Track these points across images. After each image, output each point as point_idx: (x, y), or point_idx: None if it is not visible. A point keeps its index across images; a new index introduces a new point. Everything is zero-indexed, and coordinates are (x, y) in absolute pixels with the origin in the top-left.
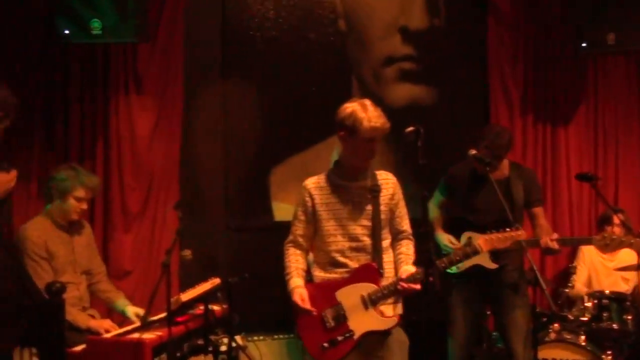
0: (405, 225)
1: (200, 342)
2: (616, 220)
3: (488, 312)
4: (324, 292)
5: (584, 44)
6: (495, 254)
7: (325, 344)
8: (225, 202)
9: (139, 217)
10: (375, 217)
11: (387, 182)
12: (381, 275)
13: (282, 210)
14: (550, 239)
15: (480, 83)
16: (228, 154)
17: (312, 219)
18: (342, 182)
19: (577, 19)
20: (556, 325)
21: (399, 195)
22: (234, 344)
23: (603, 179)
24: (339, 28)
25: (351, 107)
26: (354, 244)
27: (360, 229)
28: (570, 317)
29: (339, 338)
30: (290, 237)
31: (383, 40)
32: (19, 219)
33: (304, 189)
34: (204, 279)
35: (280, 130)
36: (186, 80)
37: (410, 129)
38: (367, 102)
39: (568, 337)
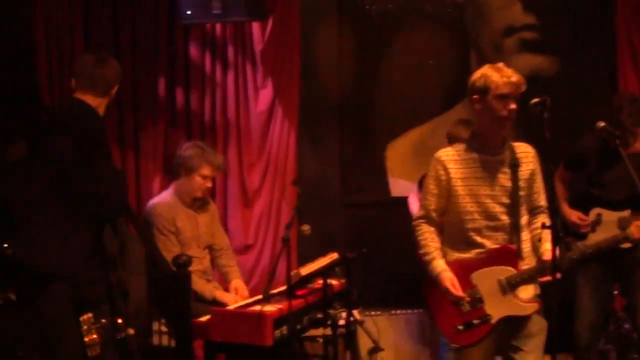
0: (543, 200)
1: (319, 315)
2: None
3: (615, 292)
4: (457, 273)
5: None
6: None
7: (460, 327)
8: (341, 178)
9: (258, 192)
10: (514, 194)
11: (527, 155)
12: (520, 258)
13: (398, 186)
14: None
15: (607, 50)
16: (343, 129)
17: (446, 194)
18: (479, 155)
19: None
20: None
21: (538, 169)
22: (351, 318)
23: None
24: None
25: (482, 69)
26: (492, 223)
27: (499, 207)
28: None
29: (475, 322)
30: (422, 212)
31: (502, 9)
32: (147, 194)
33: (437, 162)
34: (322, 253)
35: (397, 105)
36: (303, 57)
37: (536, 100)
38: (500, 64)
39: None
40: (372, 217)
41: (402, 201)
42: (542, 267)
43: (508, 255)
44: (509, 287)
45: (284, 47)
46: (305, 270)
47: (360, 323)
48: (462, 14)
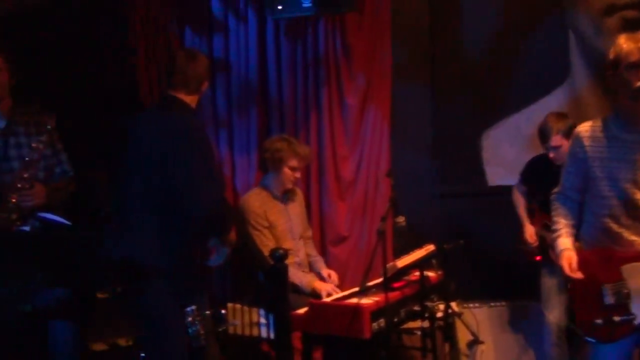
0: None
1: (417, 307)
2: None
3: None
4: (606, 262)
5: None
6: None
7: (599, 321)
8: (436, 168)
9: (353, 184)
10: None
11: None
12: None
13: (496, 175)
14: None
15: None
16: (437, 119)
17: (583, 173)
18: (622, 134)
19: None
20: None
21: None
22: (449, 311)
23: None
24: None
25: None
26: (632, 211)
27: None
28: None
29: (616, 318)
30: (559, 189)
31: None
32: (243, 188)
33: (575, 137)
34: (418, 245)
35: (491, 92)
36: (394, 48)
37: None
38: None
39: None
40: (468, 207)
41: (499, 191)
42: None
43: None
44: None
45: (376, 40)
46: (402, 262)
47: (459, 315)
48: None
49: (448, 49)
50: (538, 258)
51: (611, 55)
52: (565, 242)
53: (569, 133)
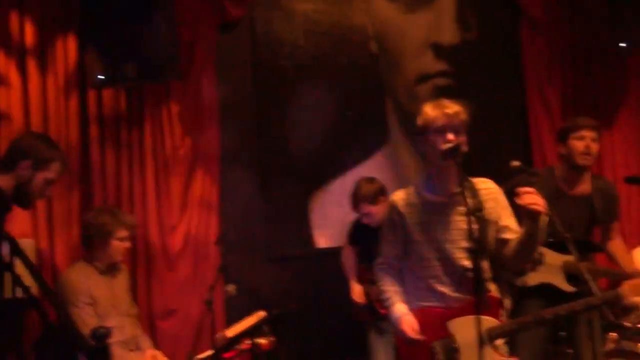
0: (510, 231)
1: None
2: None
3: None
4: (432, 321)
5: (623, 44)
6: (574, 277)
7: None
8: (266, 233)
9: (181, 255)
10: (476, 236)
11: (488, 192)
12: (503, 308)
13: (324, 237)
14: None
15: (518, 94)
16: (265, 183)
17: (403, 239)
18: (434, 196)
19: (613, 18)
20: (613, 334)
21: (504, 203)
22: None
23: None
24: (370, 50)
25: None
26: (452, 269)
27: (459, 251)
28: (628, 324)
29: None
30: (381, 259)
31: (415, 58)
32: (65, 265)
33: (392, 206)
34: (250, 312)
35: (318, 156)
36: (222, 115)
37: (449, 145)
38: (442, 100)
39: (626, 346)
40: (298, 270)
41: (328, 252)
42: (538, 318)
43: (490, 304)
44: (489, 339)
45: (202, 106)
46: (231, 331)
47: None
48: (377, 64)
49: (273, 113)
50: (365, 318)
51: (420, 122)
52: (400, 308)
53: (374, 199)
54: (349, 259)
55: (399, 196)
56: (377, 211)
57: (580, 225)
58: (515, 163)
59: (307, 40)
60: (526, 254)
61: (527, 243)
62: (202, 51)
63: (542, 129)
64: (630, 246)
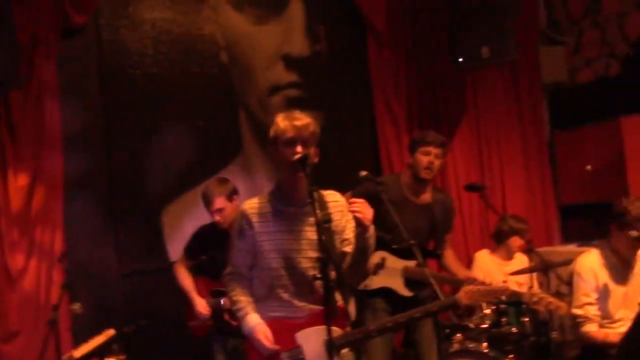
0: (351, 247)
1: None
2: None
3: None
4: (280, 331)
5: (460, 59)
6: (412, 282)
7: None
8: (116, 247)
9: (23, 273)
10: (324, 247)
11: (336, 205)
12: (349, 318)
13: (178, 251)
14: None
15: (366, 104)
16: (115, 195)
17: (252, 248)
18: (284, 207)
19: (452, 34)
20: (459, 335)
21: (349, 216)
22: None
23: (490, 187)
24: (221, 61)
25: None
26: (300, 278)
27: (306, 261)
28: (471, 325)
29: None
30: (231, 269)
31: (267, 69)
32: None
33: (242, 214)
34: (100, 331)
35: (170, 168)
36: (65, 126)
37: (298, 156)
38: (294, 111)
39: (471, 345)
40: (151, 285)
41: None
42: (380, 327)
43: (337, 314)
44: (335, 348)
45: (44, 117)
46: (79, 352)
47: None
48: (229, 74)
49: (122, 122)
50: (205, 332)
51: (272, 133)
52: (254, 318)
53: (231, 196)
54: (185, 273)
55: (249, 205)
56: (230, 209)
57: (423, 233)
58: (364, 173)
59: (156, 49)
60: (357, 268)
61: (358, 257)
62: (43, 58)
63: (390, 139)
64: (473, 249)
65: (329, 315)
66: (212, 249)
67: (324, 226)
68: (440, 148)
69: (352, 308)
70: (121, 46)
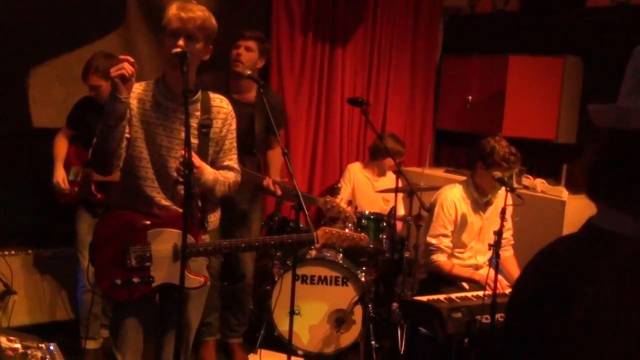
0: (230, 160)
1: None
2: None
3: None
4: (134, 225)
5: None
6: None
7: (118, 281)
8: None
9: None
10: (199, 151)
11: (220, 110)
12: (205, 229)
13: (43, 116)
14: (272, 180)
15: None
16: None
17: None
18: (164, 100)
19: None
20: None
21: (232, 127)
22: None
23: (374, 103)
24: None
25: None
26: (164, 177)
27: (174, 162)
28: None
29: (135, 280)
30: None
31: None
32: None
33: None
34: None
35: (41, 28)
36: None
37: (177, 50)
38: (192, 2)
39: (327, 254)
40: (12, 149)
41: (46, 132)
42: (233, 244)
43: (195, 221)
44: (186, 255)
45: None
46: None
47: None
48: None
49: None
50: (73, 200)
51: (163, 20)
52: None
53: (106, 73)
54: (61, 141)
55: (137, 86)
56: (107, 87)
57: (245, 132)
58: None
59: None
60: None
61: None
62: None
63: (284, 33)
64: (347, 160)
65: (185, 221)
66: (92, 120)
67: (201, 130)
68: (251, 40)
69: (214, 218)
70: None
